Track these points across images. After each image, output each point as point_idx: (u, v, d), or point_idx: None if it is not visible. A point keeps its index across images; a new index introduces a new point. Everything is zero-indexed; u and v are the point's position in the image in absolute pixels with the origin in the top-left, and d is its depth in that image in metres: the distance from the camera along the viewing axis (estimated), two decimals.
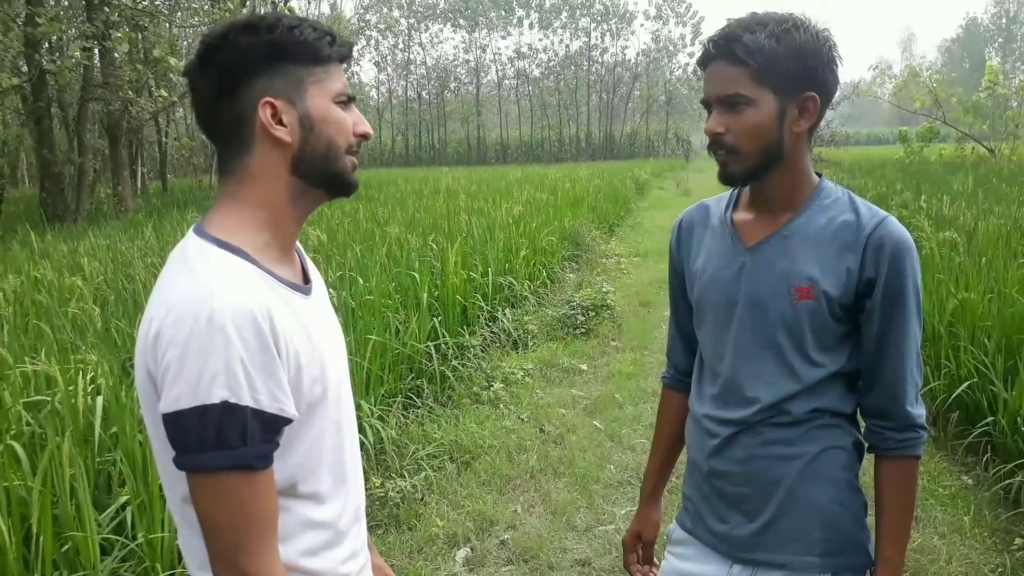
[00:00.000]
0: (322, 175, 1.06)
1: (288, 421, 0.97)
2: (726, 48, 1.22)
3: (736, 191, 1.41)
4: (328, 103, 1.04)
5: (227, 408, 0.90)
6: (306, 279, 1.13)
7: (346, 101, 1.07)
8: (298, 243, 1.15)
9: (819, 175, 1.34)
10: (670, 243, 1.52)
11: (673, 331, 1.59)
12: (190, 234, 1.02)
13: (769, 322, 1.29)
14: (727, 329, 1.35)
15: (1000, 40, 77.65)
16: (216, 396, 0.89)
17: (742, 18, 1.24)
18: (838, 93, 1.33)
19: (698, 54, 1.30)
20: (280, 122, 1.02)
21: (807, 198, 1.31)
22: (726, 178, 1.29)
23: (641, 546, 1.63)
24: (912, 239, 1.27)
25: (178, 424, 0.90)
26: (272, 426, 0.95)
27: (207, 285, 0.93)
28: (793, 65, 1.20)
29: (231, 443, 0.91)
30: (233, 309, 0.91)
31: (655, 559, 1.65)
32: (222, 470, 0.91)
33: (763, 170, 1.27)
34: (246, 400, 0.91)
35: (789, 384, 1.29)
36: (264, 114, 1.01)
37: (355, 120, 1.08)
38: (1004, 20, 76.58)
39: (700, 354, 1.46)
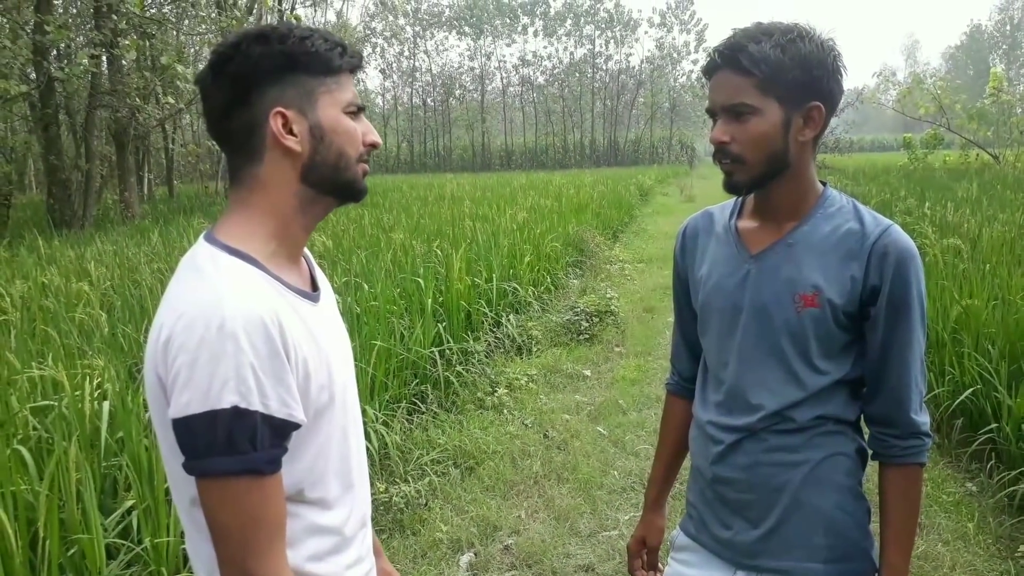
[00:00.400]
0: (332, 184, 1.08)
1: (297, 426, 0.98)
2: (731, 58, 1.22)
3: (740, 199, 1.42)
4: (338, 113, 1.06)
5: (237, 413, 0.91)
6: (314, 286, 1.14)
7: (356, 111, 1.08)
8: (307, 250, 1.17)
9: (823, 183, 1.35)
10: (674, 250, 1.53)
11: (677, 337, 1.60)
12: (200, 241, 1.03)
13: (774, 329, 1.30)
14: (731, 336, 1.35)
15: (1004, 47, 77.52)
16: (226, 401, 0.90)
17: (747, 28, 1.25)
18: (842, 100, 1.34)
19: (703, 63, 1.31)
20: (291, 132, 1.03)
21: (812, 206, 1.32)
22: (731, 187, 1.30)
23: (645, 552, 1.64)
24: (916, 247, 1.27)
25: (188, 429, 0.91)
26: (281, 431, 0.96)
27: (218, 291, 0.94)
28: (798, 75, 1.21)
29: (241, 448, 0.92)
30: (244, 315, 0.92)
31: (659, 565, 1.65)
32: (231, 475, 0.92)
33: (768, 179, 1.28)
34: (256, 405, 0.92)
35: (793, 391, 1.30)
36: (275, 124, 1.02)
37: (364, 130, 1.09)
38: (1008, 27, 76.47)
39: (704, 361, 1.47)
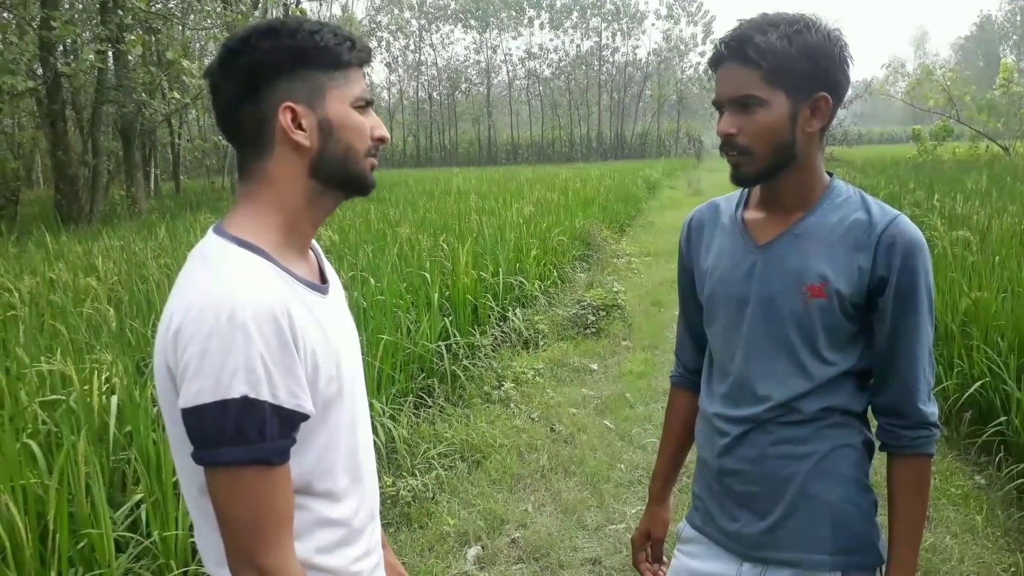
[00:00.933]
0: (341, 178, 1.08)
1: (305, 417, 0.99)
2: (738, 49, 1.22)
3: (747, 190, 1.42)
4: (347, 108, 1.06)
5: (247, 403, 0.91)
6: (323, 279, 1.15)
7: (364, 105, 1.08)
8: (316, 243, 1.17)
9: (830, 175, 1.35)
10: (680, 241, 1.53)
11: (682, 329, 1.59)
12: (210, 233, 1.04)
13: (781, 320, 1.29)
14: (738, 327, 1.35)
15: (1015, 38, 76.98)
16: (236, 391, 0.91)
17: (753, 19, 1.24)
18: (850, 92, 1.33)
19: (709, 55, 1.30)
20: (300, 126, 1.03)
21: (819, 197, 1.31)
22: (738, 179, 1.30)
23: (650, 544, 1.64)
24: (924, 237, 1.27)
25: (198, 419, 0.92)
26: (290, 422, 0.96)
27: (228, 282, 0.95)
28: (805, 66, 1.20)
29: (249, 438, 0.92)
30: (254, 306, 0.93)
31: (664, 558, 1.65)
32: (240, 465, 0.93)
33: (776, 171, 1.27)
34: (265, 396, 0.92)
35: (801, 382, 1.30)
36: (284, 119, 1.02)
37: (373, 124, 1.09)
38: (1019, 18, 75.89)
39: (710, 353, 1.46)
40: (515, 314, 6.18)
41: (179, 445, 0.99)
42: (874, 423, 1.36)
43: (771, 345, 1.31)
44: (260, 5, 15.45)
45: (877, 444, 1.36)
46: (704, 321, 1.45)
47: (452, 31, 58.87)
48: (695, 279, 1.48)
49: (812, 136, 1.27)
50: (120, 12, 12.02)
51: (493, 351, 5.47)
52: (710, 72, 1.30)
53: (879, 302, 1.26)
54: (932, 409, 1.29)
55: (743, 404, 1.35)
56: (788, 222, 1.32)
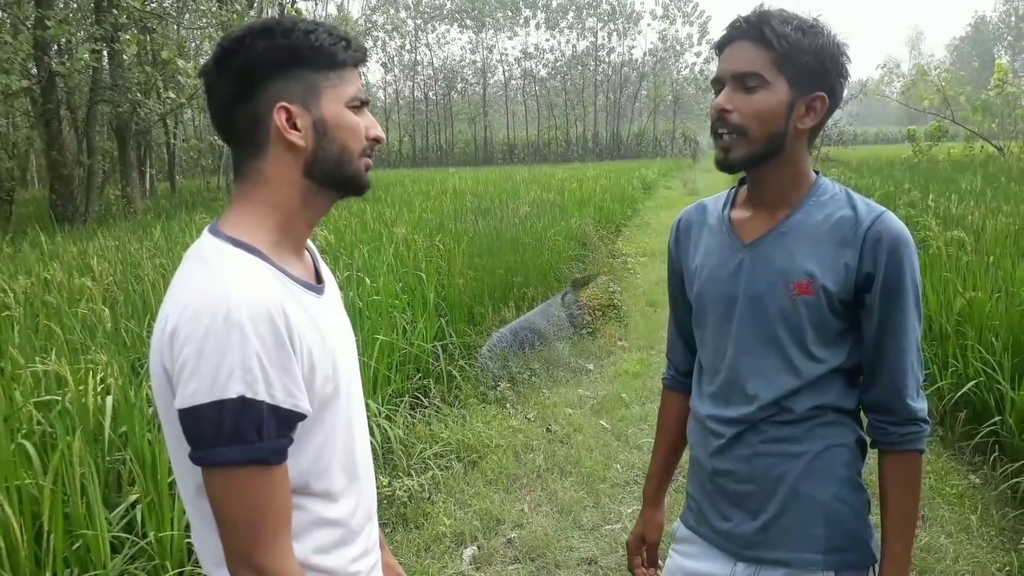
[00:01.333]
0: (335, 178, 1.08)
1: (302, 417, 0.99)
2: (756, 27, 1.24)
3: (734, 190, 1.43)
4: (342, 108, 1.06)
5: (244, 403, 0.91)
6: (319, 279, 1.15)
7: (359, 105, 1.08)
8: (311, 243, 1.17)
9: (816, 173, 1.36)
10: (669, 243, 1.54)
11: (673, 331, 1.60)
12: (205, 234, 1.04)
13: (769, 318, 1.30)
14: (727, 326, 1.36)
15: (1009, 38, 77.30)
16: (233, 391, 0.91)
17: (771, 9, 1.28)
18: (846, 92, 1.35)
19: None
20: (294, 127, 1.03)
21: (804, 195, 1.32)
22: (726, 164, 1.30)
23: (645, 548, 1.64)
24: (910, 233, 1.28)
25: (195, 419, 0.92)
26: (287, 422, 0.96)
27: (223, 282, 0.95)
28: (812, 61, 1.24)
29: (247, 438, 0.92)
30: (249, 306, 0.93)
31: (659, 560, 1.65)
32: (238, 465, 0.93)
33: (763, 159, 1.28)
34: (262, 395, 0.92)
35: (790, 380, 1.30)
36: (279, 119, 1.02)
37: (368, 124, 1.09)
38: (1013, 18, 76.21)
39: (699, 354, 1.47)
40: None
41: (176, 445, 0.99)
42: (865, 420, 1.37)
43: (760, 343, 1.32)
44: (255, 4, 15.42)
45: (869, 441, 1.36)
46: (693, 321, 1.46)
47: (448, 31, 59.01)
48: (684, 280, 1.48)
49: (802, 133, 1.28)
50: (115, 11, 11.98)
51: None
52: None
53: (866, 298, 1.27)
54: (921, 405, 1.30)
55: (733, 403, 1.36)
56: (774, 220, 1.33)
